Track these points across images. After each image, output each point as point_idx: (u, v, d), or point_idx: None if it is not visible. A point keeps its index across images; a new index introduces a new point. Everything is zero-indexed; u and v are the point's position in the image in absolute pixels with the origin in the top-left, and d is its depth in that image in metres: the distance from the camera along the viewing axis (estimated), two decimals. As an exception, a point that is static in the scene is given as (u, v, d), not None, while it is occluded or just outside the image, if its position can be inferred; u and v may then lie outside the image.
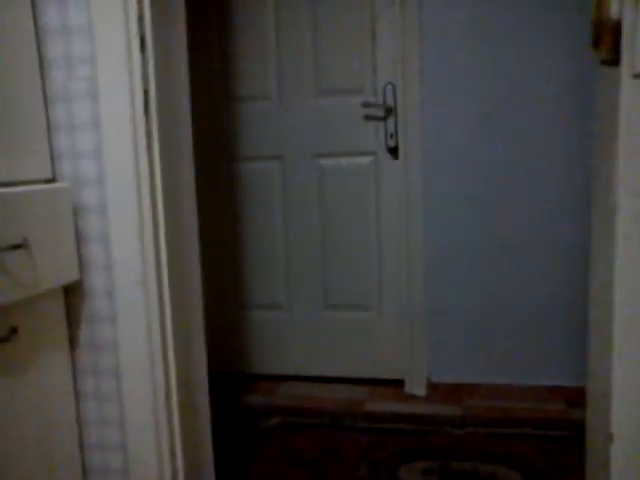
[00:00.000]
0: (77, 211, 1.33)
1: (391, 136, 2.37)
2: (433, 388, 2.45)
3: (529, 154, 2.28)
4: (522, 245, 2.33)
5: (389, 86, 2.34)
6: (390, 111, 2.35)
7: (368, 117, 2.40)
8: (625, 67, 0.82)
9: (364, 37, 2.37)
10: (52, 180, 1.33)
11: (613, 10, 0.82)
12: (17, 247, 1.12)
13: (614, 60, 0.84)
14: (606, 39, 0.84)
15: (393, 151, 2.39)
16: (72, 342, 1.37)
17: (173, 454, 1.35)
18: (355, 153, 2.45)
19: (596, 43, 0.87)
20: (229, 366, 2.69)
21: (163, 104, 1.33)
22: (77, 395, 1.39)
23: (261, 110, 2.50)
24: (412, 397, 2.42)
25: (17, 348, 1.20)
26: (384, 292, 2.50)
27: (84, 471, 1.41)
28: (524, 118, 2.26)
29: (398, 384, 2.49)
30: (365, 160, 2.44)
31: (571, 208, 2.27)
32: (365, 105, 2.36)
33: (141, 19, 1.26)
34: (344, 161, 2.46)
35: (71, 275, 1.30)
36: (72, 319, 1.36)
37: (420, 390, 2.43)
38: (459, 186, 2.34)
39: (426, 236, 2.37)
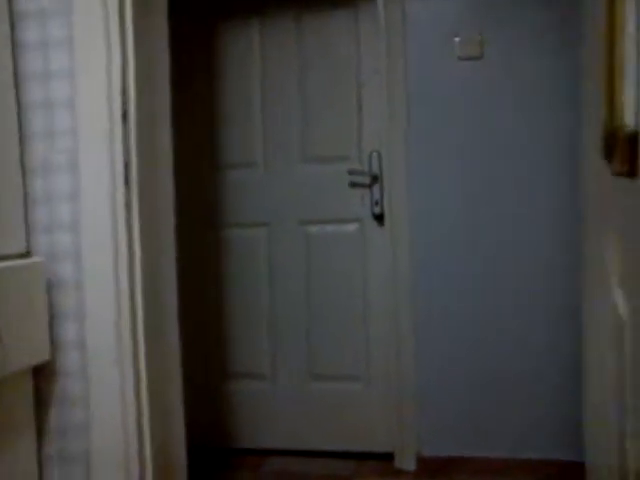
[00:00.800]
0: (51, 286, 1.28)
1: (376, 203, 2.36)
2: (423, 462, 2.35)
3: (519, 219, 2.27)
4: (513, 313, 2.29)
5: (374, 154, 2.34)
6: (376, 178, 2.35)
7: (354, 184, 2.39)
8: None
9: (350, 105, 2.39)
10: (26, 254, 1.29)
11: (628, 120, 0.71)
12: (-16, 328, 1.07)
13: (630, 172, 0.71)
14: (620, 150, 0.74)
15: (379, 218, 2.38)
16: (40, 427, 1.29)
17: None
18: (341, 220, 2.43)
19: (609, 155, 0.78)
20: (212, 440, 2.57)
21: (145, 176, 1.31)
22: (44, 483, 1.30)
23: (247, 177, 2.49)
24: (401, 472, 2.32)
25: (-20, 436, 1.12)
26: (372, 362, 2.43)
27: None
28: (514, 182, 2.26)
29: (387, 458, 2.39)
30: (351, 227, 2.42)
31: (564, 272, 2.24)
32: (351, 172, 2.36)
33: (124, 93, 1.25)
34: (330, 228, 2.44)
35: (42, 355, 1.23)
36: (41, 402, 1.29)
37: (410, 465, 2.33)
38: (447, 252, 2.32)
39: (414, 303, 2.33)
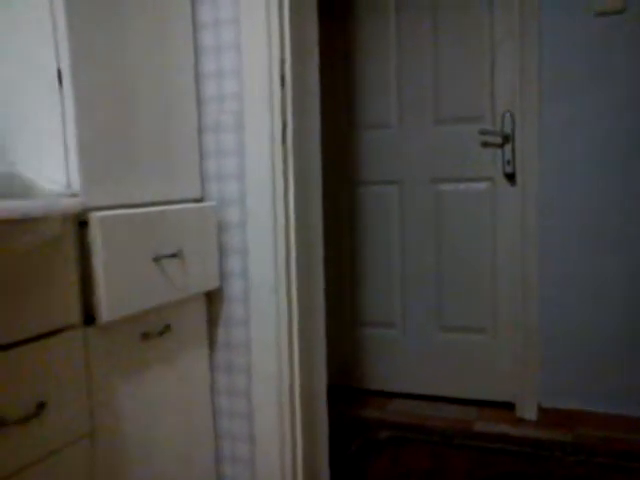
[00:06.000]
0: (220, 226, 1.53)
1: (508, 162, 2.42)
2: (544, 413, 2.44)
3: (653, 182, 2.24)
4: (643, 274, 2.29)
5: (507, 114, 2.40)
6: (507, 138, 2.41)
7: (486, 144, 2.47)
8: None
9: (483, 66, 2.45)
10: (201, 200, 1.54)
11: None
12: (173, 256, 1.33)
13: None
14: None
15: (510, 177, 2.44)
16: (211, 341, 1.56)
17: (294, 447, 1.50)
18: (472, 178, 2.52)
19: None
20: (343, 379, 2.82)
21: (298, 135, 1.51)
22: (212, 389, 1.58)
23: (382, 137, 2.64)
24: (522, 421, 2.42)
25: (169, 342, 1.40)
26: (499, 316, 2.53)
27: (217, 459, 1.60)
28: (648, 146, 2.24)
29: (508, 407, 2.51)
30: (482, 185, 2.51)
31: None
32: (483, 132, 2.43)
33: (283, 62, 1.44)
34: (462, 186, 2.54)
35: (213, 282, 1.49)
36: (212, 321, 1.56)
37: (531, 414, 2.43)
38: (576, 213, 2.35)
39: (541, 261, 2.39)
